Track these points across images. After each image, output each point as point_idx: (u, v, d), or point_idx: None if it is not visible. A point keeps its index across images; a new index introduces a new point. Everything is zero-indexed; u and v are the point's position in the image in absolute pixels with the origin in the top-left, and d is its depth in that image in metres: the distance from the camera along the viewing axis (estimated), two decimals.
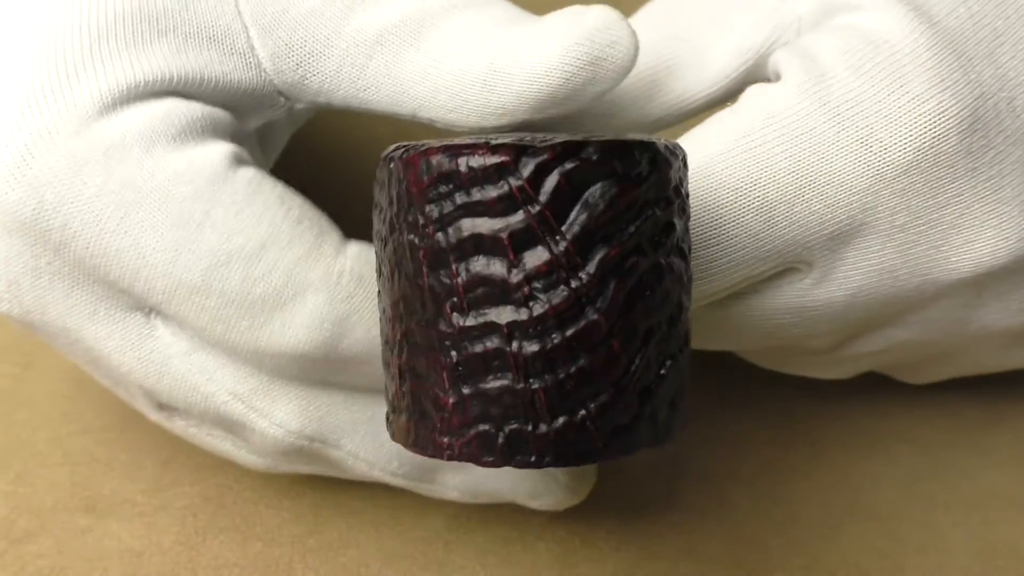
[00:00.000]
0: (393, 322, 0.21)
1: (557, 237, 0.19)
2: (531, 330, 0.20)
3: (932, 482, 0.31)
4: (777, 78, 0.27)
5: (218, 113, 0.25)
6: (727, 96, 0.28)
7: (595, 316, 0.20)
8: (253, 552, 0.28)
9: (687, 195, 0.22)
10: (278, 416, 0.25)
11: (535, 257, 0.19)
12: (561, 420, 0.20)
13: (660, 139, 0.21)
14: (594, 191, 0.20)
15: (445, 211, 0.20)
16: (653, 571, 0.28)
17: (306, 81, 0.26)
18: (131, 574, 0.28)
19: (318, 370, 0.25)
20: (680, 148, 0.22)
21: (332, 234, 0.24)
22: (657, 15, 0.28)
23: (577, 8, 0.25)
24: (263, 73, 0.25)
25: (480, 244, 0.20)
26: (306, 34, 0.25)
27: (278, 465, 0.27)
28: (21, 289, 0.24)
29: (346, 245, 0.24)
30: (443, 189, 0.20)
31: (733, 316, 0.26)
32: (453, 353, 0.20)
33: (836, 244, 0.25)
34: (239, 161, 0.24)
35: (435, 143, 0.20)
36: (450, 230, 0.20)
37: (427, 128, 0.27)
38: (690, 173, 0.25)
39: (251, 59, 0.25)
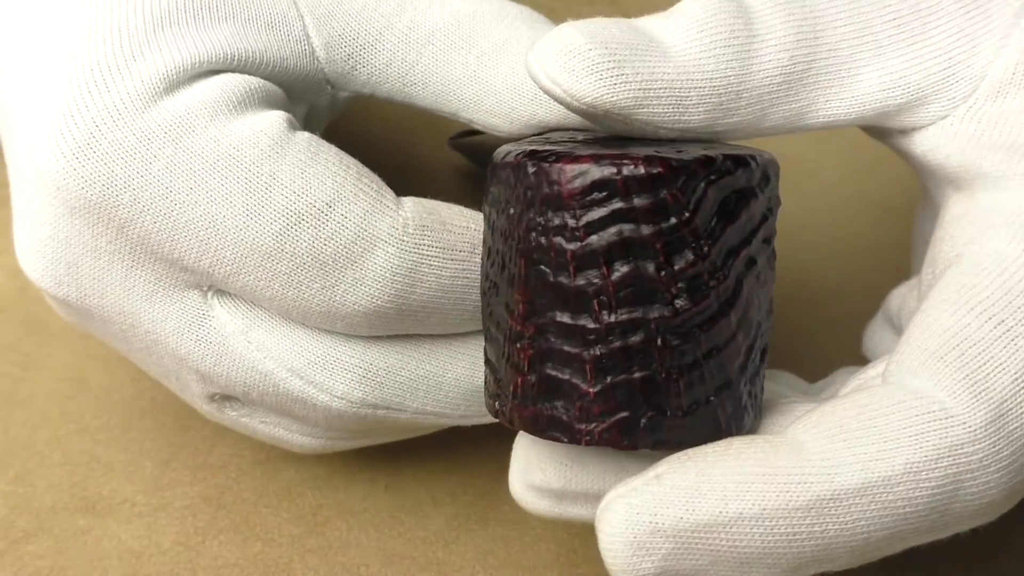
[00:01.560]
0: (523, 318, 0.22)
1: (702, 242, 0.21)
2: (676, 326, 0.21)
3: None
4: (948, 186, 0.24)
5: (273, 88, 0.25)
6: (858, 123, 0.25)
7: (728, 312, 0.22)
8: (253, 552, 0.28)
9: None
10: (339, 389, 0.25)
11: (682, 259, 0.21)
12: (696, 406, 0.22)
13: (763, 151, 0.23)
14: (729, 200, 0.22)
15: (599, 216, 0.21)
16: None
17: (355, 72, 0.26)
18: (131, 574, 0.28)
19: (389, 324, 0.24)
20: (775, 159, 0.24)
21: (388, 188, 0.24)
22: (794, 5, 0.24)
23: None
24: (316, 61, 0.26)
25: (632, 247, 0.21)
26: (359, 26, 0.26)
27: (333, 444, 0.27)
28: (80, 272, 0.24)
29: (402, 199, 0.24)
30: (597, 196, 0.21)
31: None
32: (599, 347, 0.21)
33: None
34: (295, 126, 0.24)
35: (572, 150, 0.22)
36: (604, 233, 0.21)
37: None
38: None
39: (306, 47, 0.26)
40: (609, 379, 0.22)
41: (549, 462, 0.23)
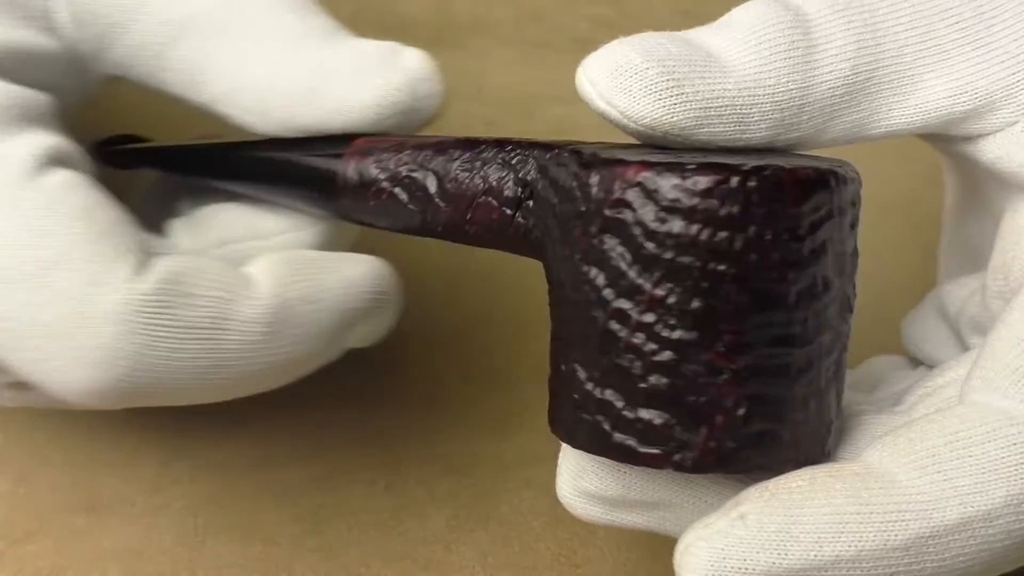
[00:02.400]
0: (732, 350, 0.20)
1: (858, 252, 0.22)
2: (845, 337, 0.22)
3: None
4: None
5: (32, 96, 0.23)
6: (923, 131, 0.24)
7: (849, 319, 0.22)
8: (253, 552, 0.28)
9: None
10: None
11: (855, 271, 0.22)
12: (837, 417, 0.22)
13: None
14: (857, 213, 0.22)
15: (820, 231, 0.20)
16: (653, 571, 0.28)
17: (106, 52, 0.24)
18: (131, 574, 0.28)
19: (113, 403, 0.22)
20: None
21: (135, 253, 0.22)
22: (852, 11, 0.23)
23: (395, 46, 0.24)
24: (64, 39, 0.24)
25: (840, 260, 0.21)
26: (111, 4, 0.24)
27: None
28: None
29: (153, 262, 0.22)
30: (815, 209, 0.20)
31: None
32: (812, 371, 0.21)
33: None
34: (54, 161, 0.22)
35: (757, 160, 0.20)
36: (821, 249, 0.20)
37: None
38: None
39: (51, 23, 0.24)
40: (820, 403, 0.21)
41: (607, 468, 0.22)
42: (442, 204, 0.23)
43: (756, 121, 0.22)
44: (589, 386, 0.21)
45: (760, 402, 0.20)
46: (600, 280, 0.20)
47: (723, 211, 0.19)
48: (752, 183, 0.20)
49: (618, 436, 0.21)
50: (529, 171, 0.22)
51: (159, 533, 0.29)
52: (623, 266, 0.20)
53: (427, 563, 0.28)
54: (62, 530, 0.29)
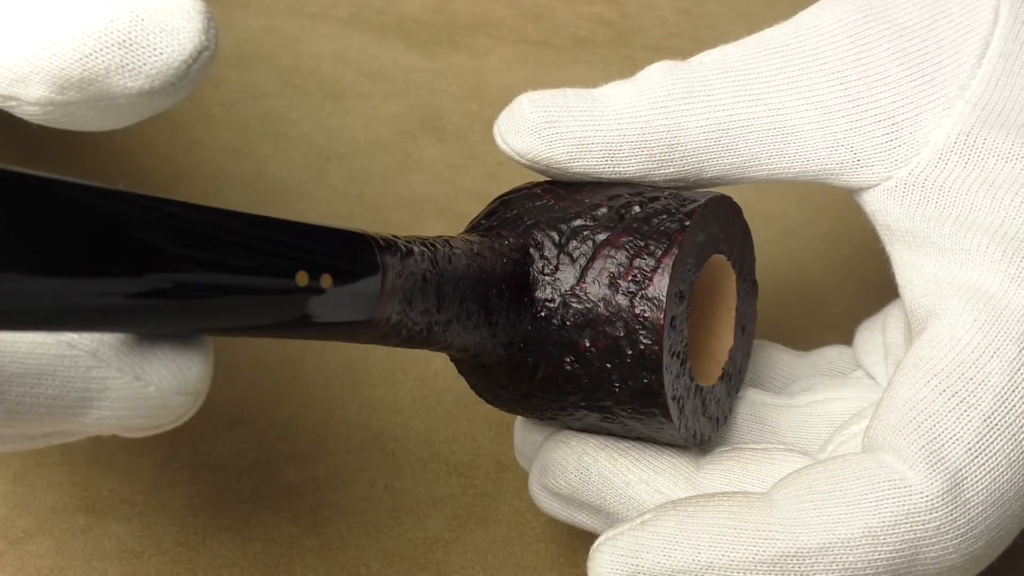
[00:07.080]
0: None
1: None
2: None
3: None
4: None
5: None
6: (801, 179, 0.26)
7: None
8: (253, 552, 0.28)
9: None
10: None
11: None
12: None
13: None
14: None
15: None
16: None
17: None
18: (131, 574, 0.28)
19: None
20: None
21: None
22: (738, 72, 0.26)
23: None
24: None
25: None
26: None
27: None
28: None
29: None
30: None
31: None
32: None
33: None
34: None
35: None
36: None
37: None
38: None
39: None
40: None
41: (561, 470, 0.26)
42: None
43: (626, 155, 0.25)
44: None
45: None
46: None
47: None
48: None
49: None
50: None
51: (159, 533, 0.29)
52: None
53: (427, 563, 0.28)
54: (62, 530, 0.29)
